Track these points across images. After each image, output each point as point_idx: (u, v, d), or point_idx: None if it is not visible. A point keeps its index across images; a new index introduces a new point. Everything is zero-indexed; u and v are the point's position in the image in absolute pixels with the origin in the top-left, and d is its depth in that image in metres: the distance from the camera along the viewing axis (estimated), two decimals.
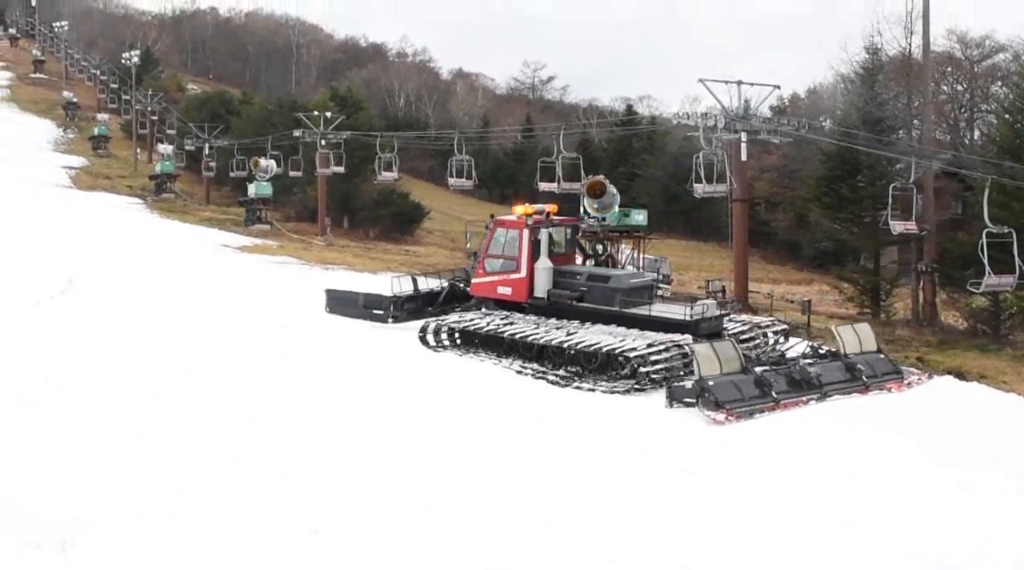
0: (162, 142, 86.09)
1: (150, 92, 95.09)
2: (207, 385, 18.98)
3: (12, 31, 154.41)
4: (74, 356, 20.85)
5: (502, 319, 23.27)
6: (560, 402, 19.12)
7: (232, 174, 71.34)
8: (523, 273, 23.32)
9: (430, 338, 23.80)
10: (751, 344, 22.27)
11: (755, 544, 12.07)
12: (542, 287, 23.15)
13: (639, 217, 34.77)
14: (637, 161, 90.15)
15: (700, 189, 34.54)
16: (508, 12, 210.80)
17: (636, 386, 19.66)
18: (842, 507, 13.39)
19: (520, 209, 23.99)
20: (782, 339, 23.47)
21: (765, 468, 14.93)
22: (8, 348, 21.11)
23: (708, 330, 21.33)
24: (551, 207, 24.48)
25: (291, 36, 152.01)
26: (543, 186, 42.67)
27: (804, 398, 18.95)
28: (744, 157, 35.93)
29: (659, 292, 37.46)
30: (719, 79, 36.27)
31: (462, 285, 26.14)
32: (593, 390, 19.92)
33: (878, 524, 12.84)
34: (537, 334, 22.02)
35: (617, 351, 20.37)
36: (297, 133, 61.25)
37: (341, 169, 61.02)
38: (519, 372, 21.50)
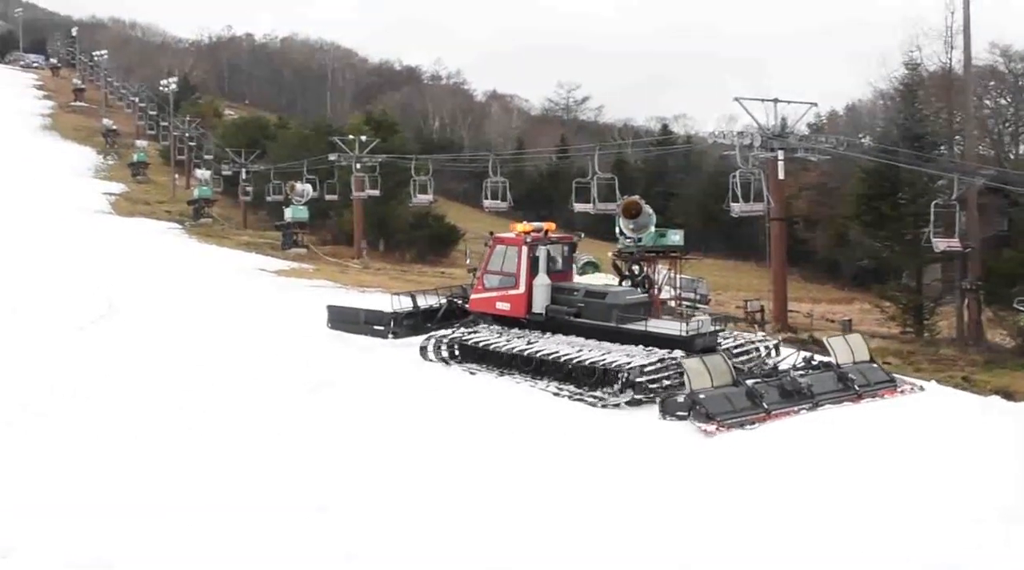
0: (199, 167, 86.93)
1: (187, 118, 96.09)
2: (232, 397, 19.38)
3: (53, 61, 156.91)
4: (106, 371, 21.23)
5: (468, 329, 24.28)
6: (548, 413, 19.48)
7: (269, 198, 71.64)
8: (522, 289, 23.66)
9: (430, 352, 24.45)
10: (744, 358, 22.46)
11: (752, 544, 12.34)
12: (540, 303, 23.47)
13: (675, 237, 34.29)
14: (673, 181, 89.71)
15: (737, 208, 34.24)
16: (542, 38, 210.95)
17: (636, 397, 19.95)
18: (823, 508, 13.61)
19: (519, 227, 24.46)
20: (774, 352, 23.58)
21: (756, 475, 15.34)
22: (56, 369, 21.46)
23: (703, 345, 21.51)
24: (549, 225, 24.86)
25: (326, 61, 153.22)
26: (578, 207, 42.35)
27: (795, 408, 19.23)
28: (781, 175, 35.60)
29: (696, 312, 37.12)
30: (755, 97, 35.99)
31: (460, 302, 26.56)
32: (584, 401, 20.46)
33: (875, 528, 12.87)
34: (499, 344, 23.00)
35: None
36: (332, 157, 61.52)
37: (376, 192, 61.19)
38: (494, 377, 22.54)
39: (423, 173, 56.88)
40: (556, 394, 21.05)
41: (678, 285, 37.29)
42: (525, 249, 23.60)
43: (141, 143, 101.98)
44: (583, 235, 26.90)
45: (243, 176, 77.98)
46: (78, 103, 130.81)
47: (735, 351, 22.30)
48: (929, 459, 15.94)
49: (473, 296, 25.16)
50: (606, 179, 40.76)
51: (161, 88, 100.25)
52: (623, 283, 26.67)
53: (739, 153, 34.29)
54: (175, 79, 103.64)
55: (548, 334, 23.27)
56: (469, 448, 16.54)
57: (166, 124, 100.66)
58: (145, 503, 12.94)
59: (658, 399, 19.37)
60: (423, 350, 24.47)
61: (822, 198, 68.68)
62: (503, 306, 24.03)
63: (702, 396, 18.33)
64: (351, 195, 62.01)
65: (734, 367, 19.97)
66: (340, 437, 16.85)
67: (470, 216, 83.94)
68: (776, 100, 35.43)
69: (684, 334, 21.30)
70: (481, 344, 23.58)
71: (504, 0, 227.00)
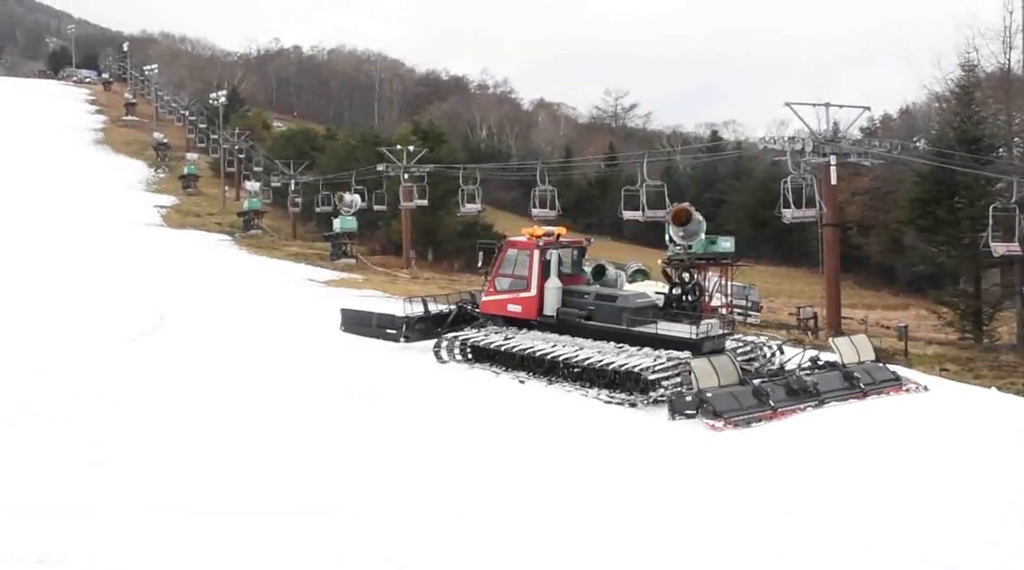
0: (249, 179, 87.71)
1: (237, 131, 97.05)
2: (274, 404, 19.49)
3: (105, 76, 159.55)
4: (154, 382, 21.31)
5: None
6: (563, 412, 19.89)
7: (317, 209, 72.06)
8: (533, 292, 24.04)
9: (443, 353, 25.04)
10: (750, 359, 23.01)
11: (759, 537, 12.53)
12: (551, 305, 23.86)
13: (726, 244, 34.13)
14: (723, 187, 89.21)
15: (789, 214, 33.91)
16: (589, 46, 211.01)
17: (655, 397, 20.23)
18: (830, 504, 13.80)
19: (530, 231, 24.88)
20: (779, 353, 23.89)
21: (763, 469, 15.74)
22: (106, 380, 21.56)
23: (712, 348, 21.78)
24: (560, 229, 25.13)
25: (373, 72, 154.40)
26: (627, 215, 42.12)
27: (801, 406, 19.76)
28: (834, 180, 35.13)
29: (749, 319, 36.72)
30: (806, 102, 35.54)
31: (469, 307, 26.93)
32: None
33: (879, 520, 12.97)
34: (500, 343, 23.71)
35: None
36: (380, 167, 61.82)
37: (424, 202, 61.40)
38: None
39: (471, 182, 56.95)
40: (608, 401, 20.97)
41: (729, 292, 36.90)
42: (537, 253, 23.99)
43: (191, 156, 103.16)
44: (592, 240, 27.10)
45: (292, 187, 78.59)
46: (129, 117, 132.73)
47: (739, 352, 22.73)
48: (934, 455, 16.23)
49: (484, 298, 25.53)
50: (655, 186, 40.50)
51: (211, 101, 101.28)
52: (673, 290, 26.48)
53: (790, 158, 33.97)
54: (224, 92, 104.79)
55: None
56: (498, 451, 16.74)
57: (216, 137, 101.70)
58: (186, 509, 12.93)
59: (667, 399, 19.77)
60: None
61: (875, 203, 67.87)
62: (514, 308, 24.43)
63: (709, 395, 18.90)
64: (399, 205, 62.24)
65: (741, 367, 20.49)
66: (380, 443, 16.92)
67: (518, 225, 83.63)
68: (828, 104, 35.03)
69: (694, 337, 21.59)
70: (499, 347, 23.95)
71: (550, 9, 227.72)
